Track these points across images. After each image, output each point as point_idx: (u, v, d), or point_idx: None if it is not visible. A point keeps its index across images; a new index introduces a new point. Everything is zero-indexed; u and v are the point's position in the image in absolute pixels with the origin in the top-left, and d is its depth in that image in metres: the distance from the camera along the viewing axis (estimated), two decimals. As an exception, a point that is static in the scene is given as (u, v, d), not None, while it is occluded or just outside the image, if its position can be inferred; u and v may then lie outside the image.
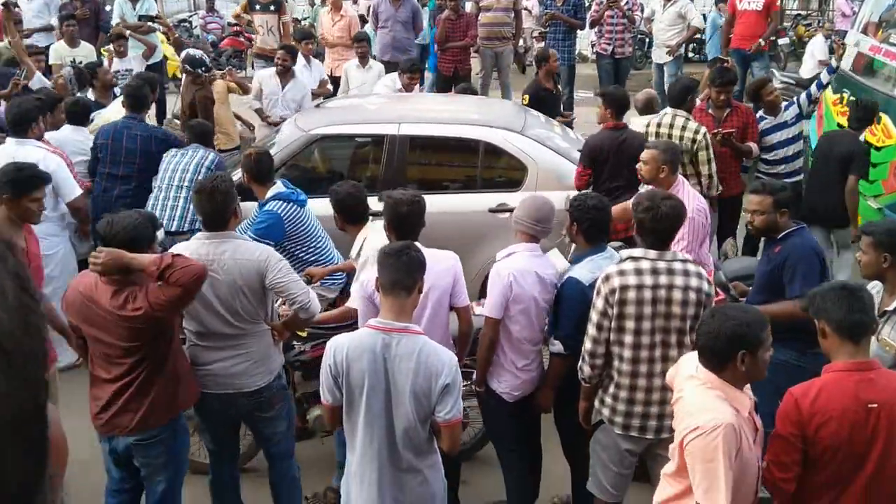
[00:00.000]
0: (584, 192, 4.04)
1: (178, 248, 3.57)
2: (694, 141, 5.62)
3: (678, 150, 4.81)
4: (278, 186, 4.74)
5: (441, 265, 3.70)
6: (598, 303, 3.36)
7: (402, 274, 2.94)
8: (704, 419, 2.63)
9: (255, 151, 4.96)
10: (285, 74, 7.47)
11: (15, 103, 5.45)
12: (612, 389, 3.47)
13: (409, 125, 5.97)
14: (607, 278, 3.34)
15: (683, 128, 5.69)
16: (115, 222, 3.31)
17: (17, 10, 8.29)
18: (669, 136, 5.64)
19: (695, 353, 2.97)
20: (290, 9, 9.77)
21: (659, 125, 5.77)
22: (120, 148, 5.70)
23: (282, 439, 3.81)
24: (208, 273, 3.36)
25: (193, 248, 3.55)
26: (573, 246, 3.96)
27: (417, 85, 7.88)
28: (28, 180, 4.02)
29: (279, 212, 4.62)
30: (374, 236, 4.07)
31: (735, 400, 2.70)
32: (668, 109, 5.86)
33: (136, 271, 3.23)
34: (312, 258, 4.72)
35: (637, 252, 3.39)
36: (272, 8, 9.25)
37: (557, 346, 3.70)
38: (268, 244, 4.10)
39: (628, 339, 3.36)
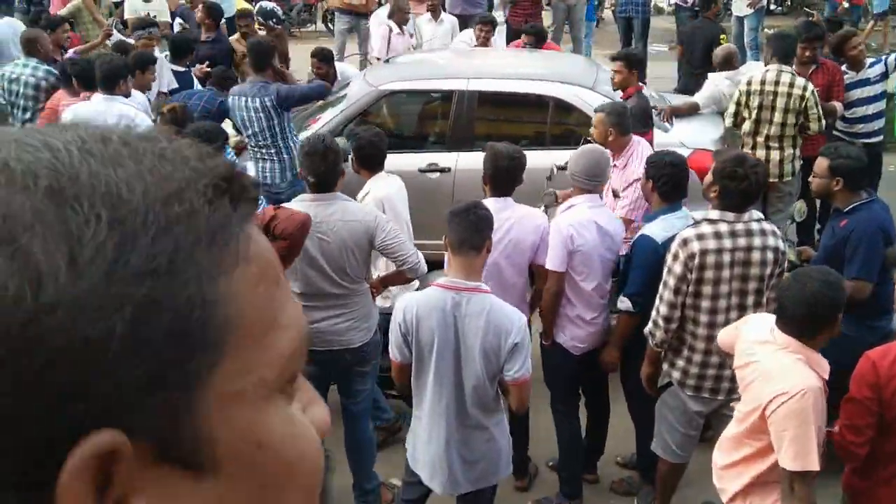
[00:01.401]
0: (660, 150, 3.96)
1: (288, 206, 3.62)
2: (803, 98, 5.37)
3: (625, 112, 4.61)
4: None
5: (531, 221, 3.76)
6: (677, 267, 3.28)
7: (471, 232, 2.94)
8: (790, 384, 2.59)
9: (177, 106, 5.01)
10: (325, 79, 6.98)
11: (105, 59, 5.56)
12: (685, 352, 3.43)
13: (479, 80, 5.92)
14: (685, 242, 3.27)
15: (791, 84, 5.39)
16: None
17: None
18: (775, 93, 5.38)
19: (760, 316, 2.92)
20: None
21: (763, 82, 5.43)
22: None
23: (366, 398, 3.86)
24: (317, 235, 3.42)
25: (301, 209, 3.55)
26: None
27: (491, 37, 7.75)
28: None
29: None
30: (378, 186, 4.16)
31: (816, 364, 2.67)
32: (773, 66, 5.48)
33: None
34: None
35: (714, 214, 3.31)
36: None
37: (626, 304, 3.67)
38: None
39: (706, 303, 3.31)
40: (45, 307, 0.39)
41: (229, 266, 0.44)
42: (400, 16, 7.95)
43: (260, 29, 7.40)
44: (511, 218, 3.71)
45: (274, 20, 7.20)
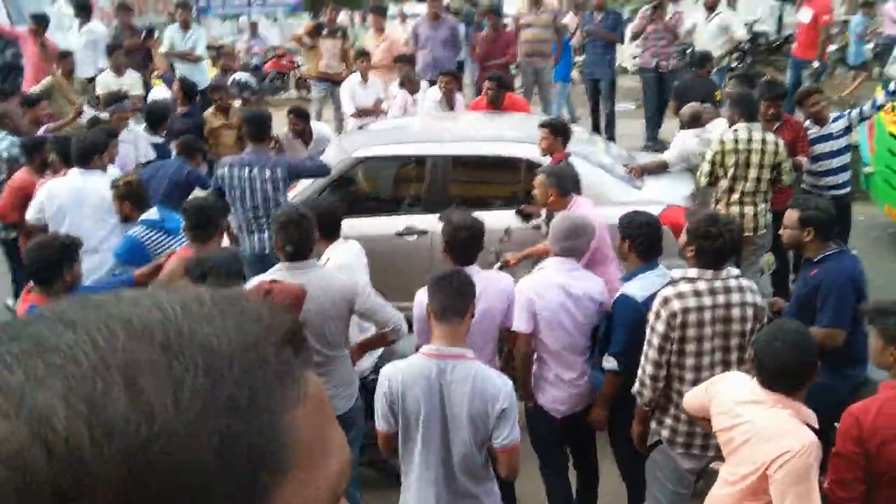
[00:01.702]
0: (633, 210, 4.01)
1: (255, 281, 3.58)
2: (775, 153, 5.52)
3: (565, 174, 4.74)
4: (150, 213, 4.74)
5: (499, 286, 3.77)
6: (659, 326, 3.31)
7: (454, 299, 2.94)
8: (791, 442, 2.58)
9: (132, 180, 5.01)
10: (302, 137, 7.16)
11: (82, 135, 5.55)
12: (672, 411, 3.43)
13: (452, 144, 6.01)
14: (666, 301, 3.30)
15: (763, 141, 5.53)
16: (207, 260, 3.32)
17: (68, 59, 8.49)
18: (749, 150, 5.50)
19: (731, 375, 2.95)
20: (352, 35, 9.96)
21: (737, 141, 5.54)
22: None
23: (354, 464, 3.80)
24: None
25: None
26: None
27: (457, 91, 7.86)
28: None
29: (135, 236, 4.63)
30: (337, 253, 4.19)
31: (806, 416, 2.67)
32: (741, 125, 5.60)
33: None
34: None
35: (692, 273, 3.35)
36: (338, 34, 9.45)
37: (611, 363, 3.67)
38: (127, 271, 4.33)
39: (690, 361, 3.32)
40: (154, 436, 0.49)
41: (293, 404, 0.56)
42: (411, 86, 8.10)
43: (235, 100, 7.48)
44: (477, 287, 3.73)
45: (248, 92, 7.28)
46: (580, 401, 3.81)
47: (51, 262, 3.67)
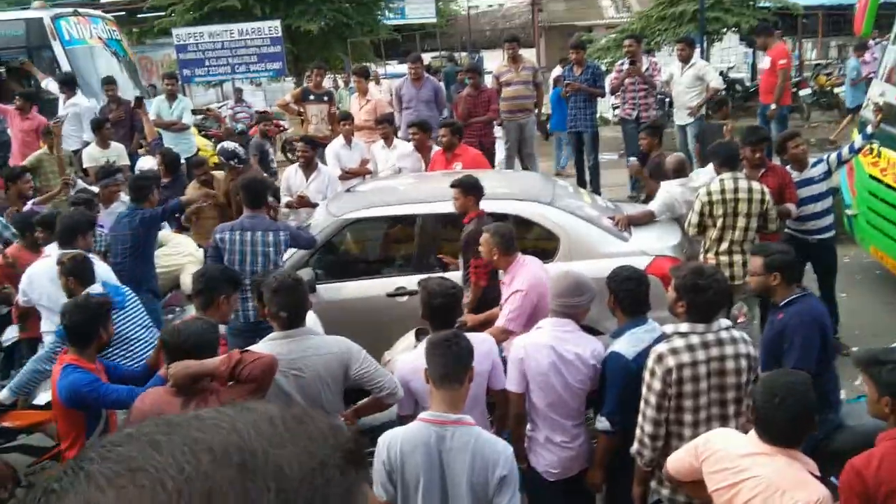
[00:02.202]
0: (620, 265, 4.02)
1: (256, 349, 3.53)
2: (762, 201, 5.61)
3: (509, 233, 4.80)
4: (94, 288, 4.67)
5: (482, 348, 3.68)
6: (656, 384, 3.29)
7: (453, 365, 2.94)
8: (808, 495, 2.56)
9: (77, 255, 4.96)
10: (308, 167, 7.58)
11: (66, 214, 5.54)
12: None
13: (439, 203, 6.05)
14: (660, 358, 3.29)
15: (750, 190, 5.62)
16: (182, 330, 3.27)
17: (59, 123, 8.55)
18: (736, 200, 5.59)
19: (722, 431, 2.93)
20: (338, 97, 10.10)
21: (723, 191, 5.62)
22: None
23: None
24: (293, 372, 3.38)
25: (273, 350, 3.50)
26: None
27: (432, 143, 7.92)
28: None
29: None
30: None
31: (812, 467, 2.66)
32: (726, 174, 5.69)
33: (204, 377, 3.18)
34: (129, 363, 4.47)
35: (684, 327, 3.35)
36: (325, 98, 9.60)
37: (604, 424, 3.64)
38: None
39: (688, 417, 3.30)
40: None
41: None
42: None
43: (220, 169, 7.53)
44: None
45: (236, 160, 7.33)
46: (574, 464, 3.75)
47: (86, 322, 3.77)
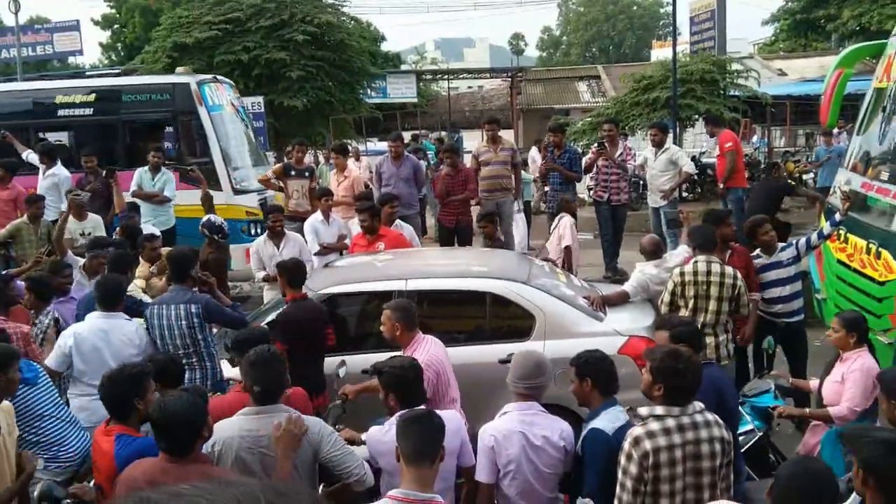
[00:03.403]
0: (585, 349, 4.05)
1: (221, 426, 3.49)
2: (734, 286, 5.71)
3: (410, 308, 4.89)
4: None
5: (450, 426, 3.65)
6: (632, 468, 3.27)
7: (425, 444, 2.92)
8: None
9: None
10: (280, 236, 7.73)
11: (109, 278, 5.56)
12: None
13: (416, 280, 6.09)
14: (637, 442, 3.28)
15: (722, 274, 5.71)
16: (168, 405, 3.19)
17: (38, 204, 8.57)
18: (708, 283, 5.68)
19: None
20: (318, 173, 10.26)
21: (696, 273, 5.72)
22: None
23: None
24: (260, 449, 3.34)
25: (242, 425, 3.48)
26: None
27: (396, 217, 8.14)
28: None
29: None
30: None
31: None
32: (701, 257, 5.80)
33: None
34: (40, 439, 4.49)
35: (659, 410, 3.35)
36: (306, 174, 9.75)
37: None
38: None
39: (664, 502, 3.28)
40: None
41: None
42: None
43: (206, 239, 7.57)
44: None
45: (219, 235, 7.38)
46: None
47: (122, 395, 3.68)
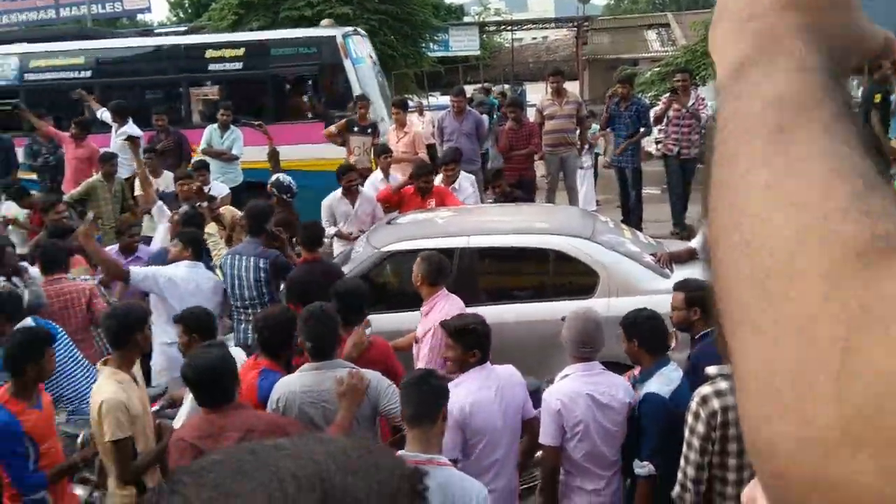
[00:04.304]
0: (634, 309, 4.01)
1: (283, 382, 3.60)
2: None
3: (438, 262, 4.89)
4: (25, 322, 4.77)
5: (513, 380, 3.75)
6: (700, 427, 3.23)
7: (426, 405, 2.95)
8: None
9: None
10: (354, 194, 7.74)
11: (195, 232, 5.93)
12: None
13: (478, 237, 6.07)
14: (705, 401, 3.23)
15: None
16: (198, 361, 3.30)
17: (112, 162, 8.79)
18: None
19: None
20: (383, 129, 10.25)
21: None
22: None
23: None
24: (322, 403, 3.43)
25: (302, 381, 3.57)
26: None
27: (457, 176, 8.05)
28: None
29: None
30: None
31: None
32: None
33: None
34: (62, 393, 4.70)
35: (728, 369, 3.27)
36: (369, 131, 9.72)
37: (647, 468, 3.57)
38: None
39: (733, 461, 3.23)
40: None
41: None
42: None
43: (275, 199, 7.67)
44: (499, 381, 3.71)
45: (288, 195, 7.47)
46: None
47: (280, 334, 3.94)
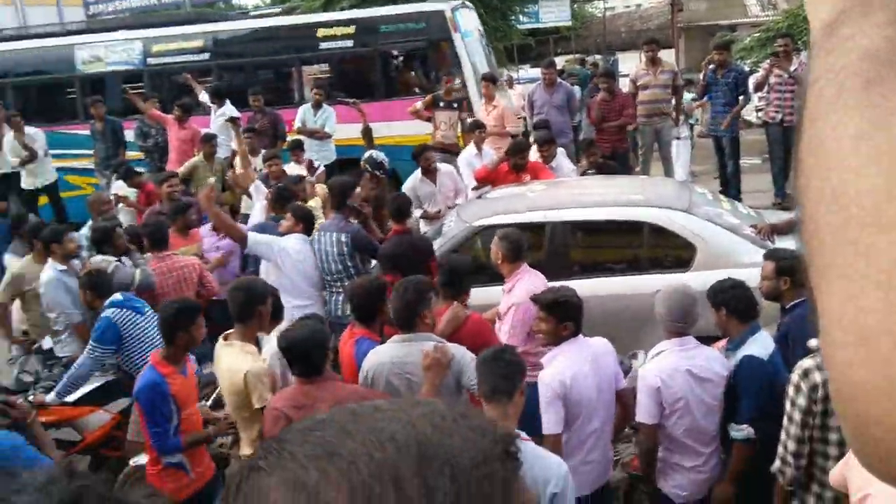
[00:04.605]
0: (718, 280, 3.92)
1: (374, 352, 3.72)
2: None
3: (518, 239, 4.88)
4: (115, 296, 5.18)
5: (606, 350, 3.74)
6: (801, 400, 3.14)
7: (503, 381, 2.95)
8: None
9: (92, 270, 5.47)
10: (433, 173, 7.75)
11: (306, 209, 6.22)
12: (815, 488, 3.23)
13: (570, 210, 6.00)
14: (806, 374, 3.13)
15: None
16: (294, 334, 3.45)
17: (212, 142, 9.12)
18: None
19: None
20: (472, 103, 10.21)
21: None
22: None
23: None
24: (406, 374, 3.52)
25: (389, 351, 3.68)
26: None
27: (553, 156, 7.92)
28: None
29: (112, 317, 5.07)
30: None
31: None
32: None
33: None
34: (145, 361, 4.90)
35: None
36: (454, 106, 9.73)
37: (745, 431, 3.49)
38: (109, 348, 5.00)
39: (834, 436, 3.12)
40: None
41: None
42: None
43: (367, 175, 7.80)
44: (593, 353, 3.68)
45: (380, 171, 7.57)
46: (704, 486, 3.65)
47: (370, 303, 4.11)
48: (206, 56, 11.75)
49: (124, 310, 5.13)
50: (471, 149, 8.55)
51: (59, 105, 12.10)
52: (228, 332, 4.16)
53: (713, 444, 3.66)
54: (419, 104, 9.86)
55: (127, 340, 5.09)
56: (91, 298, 5.28)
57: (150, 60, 11.81)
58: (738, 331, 3.69)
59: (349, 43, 11.34)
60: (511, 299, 4.70)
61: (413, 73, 11.71)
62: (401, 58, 11.89)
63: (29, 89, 12.25)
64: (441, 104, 9.75)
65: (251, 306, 4.05)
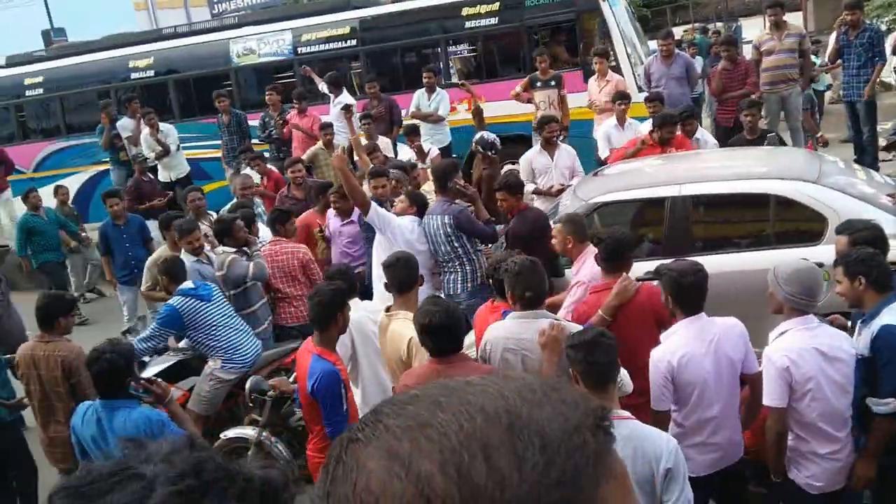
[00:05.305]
0: (854, 249, 3.70)
1: (492, 327, 3.80)
2: None
3: (581, 221, 4.99)
4: (186, 284, 5.56)
5: (734, 332, 3.60)
6: None
7: (606, 366, 2.92)
8: None
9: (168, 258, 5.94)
10: (553, 146, 7.72)
11: (420, 193, 6.51)
12: None
13: (691, 185, 5.83)
14: None
15: None
16: (432, 313, 3.46)
17: (329, 130, 9.41)
18: None
19: None
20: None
21: None
22: None
23: None
24: (523, 351, 3.56)
25: (507, 328, 3.74)
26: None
27: (694, 130, 7.69)
28: None
29: (177, 305, 5.44)
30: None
31: None
32: None
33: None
34: (217, 344, 5.51)
35: None
36: (552, 83, 9.62)
37: (885, 406, 3.32)
38: (169, 331, 5.44)
39: None
40: (506, 501, 0.62)
41: (605, 478, 0.67)
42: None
43: (480, 155, 7.85)
44: (715, 333, 3.57)
45: (492, 151, 7.63)
46: (840, 476, 3.47)
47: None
48: (353, 42, 11.90)
49: (189, 298, 5.49)
50: (612, 120, 8.43)
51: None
52: (389, 305, 4.47)
53: (847, 427, 3.47)
54: (518, 87, 9.78)
55: (191, 326, 5.48)
56: (167, 283, 5.74)
57: (301, 49, 12.06)
58: (873, 301, 3.50)
59: (494, 20, 11.14)
60: (577, 279, 4.80)
61: (562, 46, 11.34)
62: (548, 32, 11.49)
63: (188, 84, 12.84)
64: (538, 84, 9.64)
65: (412, 278, 4.42)
